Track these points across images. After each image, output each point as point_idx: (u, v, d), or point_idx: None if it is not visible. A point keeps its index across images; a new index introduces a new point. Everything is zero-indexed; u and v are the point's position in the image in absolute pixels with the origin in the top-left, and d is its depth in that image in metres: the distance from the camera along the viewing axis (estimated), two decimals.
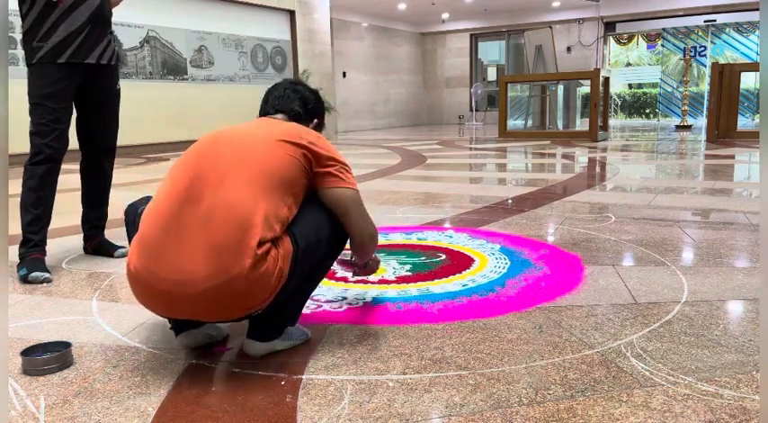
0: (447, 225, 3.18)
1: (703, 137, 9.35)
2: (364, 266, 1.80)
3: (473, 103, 15.75)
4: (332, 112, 11.01)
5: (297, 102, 1.74)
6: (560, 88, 11.97)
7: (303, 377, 1.43)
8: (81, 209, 2.68)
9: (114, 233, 2.82)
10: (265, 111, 1.75)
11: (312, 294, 1.71)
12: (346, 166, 1.60)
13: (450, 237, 2.86)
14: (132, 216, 1.62)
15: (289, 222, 1.46)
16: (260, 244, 1.35)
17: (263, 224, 1.37)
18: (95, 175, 2.64)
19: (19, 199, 2.35)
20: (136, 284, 1.42)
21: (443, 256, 2.49)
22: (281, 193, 1.44)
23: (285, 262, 1.40)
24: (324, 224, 1.53)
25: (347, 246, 1.66)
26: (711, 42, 15.07)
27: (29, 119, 2.35)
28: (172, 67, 9.25)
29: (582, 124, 12.52)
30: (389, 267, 2.33)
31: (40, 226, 2.37)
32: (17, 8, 2.38)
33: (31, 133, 2.34)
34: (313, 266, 1.53)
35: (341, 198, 1.54)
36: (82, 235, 2.71)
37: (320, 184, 1.54)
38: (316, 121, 1.79)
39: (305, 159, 1.50)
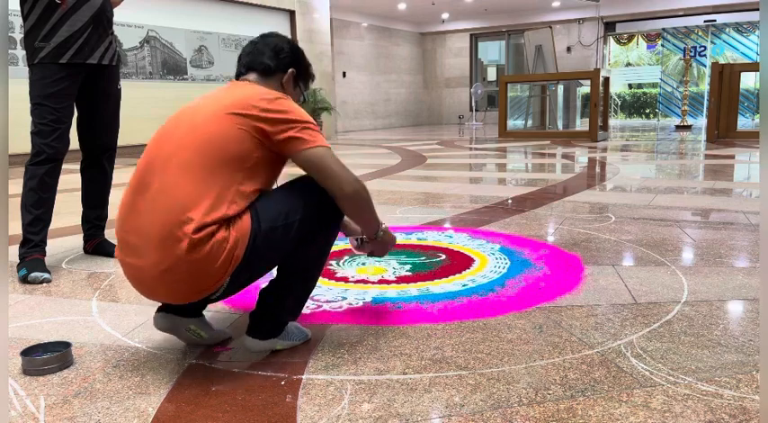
0: (447, 225, 3.18)
1: (703, 137, 9.35)
2: (375, 239, 1.67)
3: (473, 103, 15.75)
4: (332, 113, 11.02)
5: (267, 53, 1.63)
6: (560, 88, 11.97)
7: (303, 377, 1.43)
8: (81, 209, 2.68)
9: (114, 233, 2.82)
10: (238, 71, 1.67)
11: (312, 294, 1.71)
12: (309, 123, 1.48)
13: (450, 237, 2.86)
14: None
15: (246, 198, 1.41)
16: (200, 228, 1.33)
17: (204, 208, 1.35)
18: (96, 175, 2.64)
19: (19, 199, 2.35)
20: (125, 274, 1.49)
21: (443, 256, 2.49)
22: (230, 170, 1.40)
23: (238, 243, 1.37)
24: (298, 205, 1.46)
25: (351, 238, 1.66)
26: (711, 42, 15.07)
27: (29, 119, 2.35)
28: (172, 67, 9.25)
29: (582, 124, 12.53)
30: (389, 267, 2.33)
31: (40, 226, 2.37)
32: (17, 8, 2.38)
33: (33, 133, 2.34)
34: (309, 260, 1.53)
35: (308, 158, 1.45)
36: (82, 235, 2.71)
37: (287, 152, 1.47)
38: (292, 70, 1.65)
39: (256, 131, 1.43)
